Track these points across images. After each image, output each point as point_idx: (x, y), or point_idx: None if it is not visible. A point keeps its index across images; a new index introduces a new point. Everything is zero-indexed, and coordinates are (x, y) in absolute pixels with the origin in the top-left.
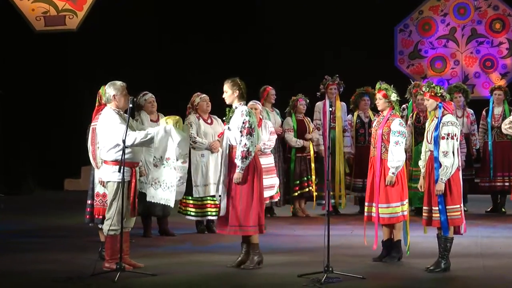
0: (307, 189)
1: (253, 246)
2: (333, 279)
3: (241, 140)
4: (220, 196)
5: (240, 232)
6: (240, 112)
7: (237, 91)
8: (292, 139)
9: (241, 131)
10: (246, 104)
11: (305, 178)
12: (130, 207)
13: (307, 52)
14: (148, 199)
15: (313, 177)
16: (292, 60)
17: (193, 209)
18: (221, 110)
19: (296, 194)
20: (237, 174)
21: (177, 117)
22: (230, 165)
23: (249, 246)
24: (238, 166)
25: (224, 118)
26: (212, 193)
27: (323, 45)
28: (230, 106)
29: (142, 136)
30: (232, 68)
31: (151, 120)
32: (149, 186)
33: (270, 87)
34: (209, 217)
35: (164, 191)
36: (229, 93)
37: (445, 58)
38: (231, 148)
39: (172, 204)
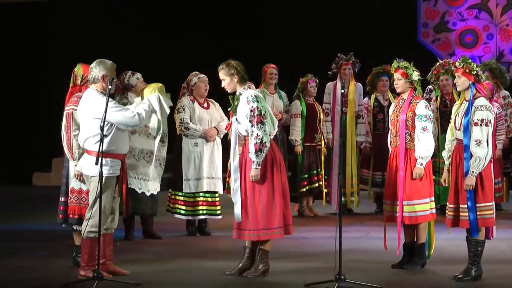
0: (316, 184)
1: (263, 253)
2: None
3: (252, 131)
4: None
5: (264, 236)
6: (245, 98)
7: (236, 76)
8: (298, 133)
9: (250, 121)
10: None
11: (315, 172)
12: (124, 206)
13: (317, 27)
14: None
15: (323, 171)
16: (300, 37)
17: (183, 207)
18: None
19: (305, 189)
20: (254, 171)
21: (160, 84)
22: (244, 161)
23: (253, 251)
24: (253, 162)
25: (229, 109)
26: (205, 188)
27: (335, 16)
28: (233, 94)
29: (146, 109)
30: (233, 50)
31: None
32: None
33: (271, 65)
34: (201, 217)
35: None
36: (227, 80)
37: (476, 31)
38: (244, 140)
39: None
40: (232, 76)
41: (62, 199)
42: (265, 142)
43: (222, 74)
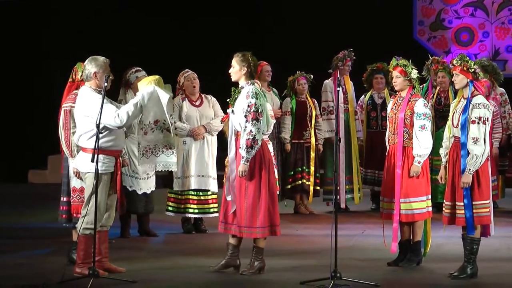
0: (299, 182)
1: (257, 250)
2: (341, 286)
3: (246, 127)
4: (228, 190)
5: (246, 234)
6: (245, 93)
7: (246, 68)
8: (287, 130)
9: (245, 116)
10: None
11: (300, 169)
12: (118, 203)
13: (313, 25)
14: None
15: (312, 168)
16: (297, 34)
17: (173, 204)
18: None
19: (289, 187)
20: (242, 166)
21: (157, 76)
22: (235, 155)
23: (235, 247)
24: (242, 157)
25: (228, 100)
26: (194, 186)
27: (330, 14)
28: (236, 85)
29: (132, 109)
30: (230, 48)
31: None
32: (141, 156)
33: (265, 62)
34: (189, 215)
35: (168, 156)
36: (236, 68)
37: (472, 29)
38: (236, 134)
39: (175, 168)
40: (242, 67)
41: (64, 199)
42: (257, 140)
43: (234, 61)
